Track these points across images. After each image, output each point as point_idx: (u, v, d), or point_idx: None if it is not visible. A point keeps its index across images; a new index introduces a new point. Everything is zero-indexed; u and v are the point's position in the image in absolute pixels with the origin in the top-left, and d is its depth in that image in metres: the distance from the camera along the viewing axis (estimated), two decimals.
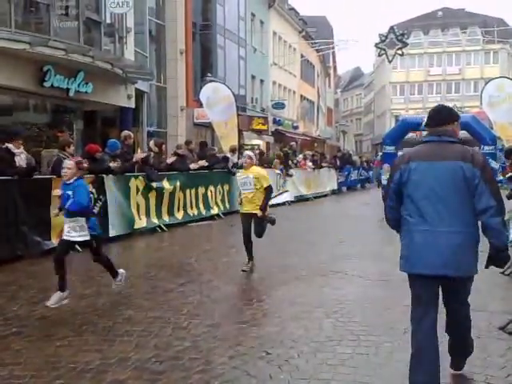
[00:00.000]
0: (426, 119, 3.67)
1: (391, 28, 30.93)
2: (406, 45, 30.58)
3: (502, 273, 6.85)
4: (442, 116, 3.56)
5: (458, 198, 3.33)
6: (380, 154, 35.57)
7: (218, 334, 4.73)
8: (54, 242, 8.58)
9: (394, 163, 3.69)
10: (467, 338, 3.72)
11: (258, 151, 20.11)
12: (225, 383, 3.73)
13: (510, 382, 3.70)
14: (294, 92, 41.27)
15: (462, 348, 3.76)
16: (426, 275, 3.39)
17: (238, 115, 18.31)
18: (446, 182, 3.34)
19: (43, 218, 8.37)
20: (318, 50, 41.84)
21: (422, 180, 3.39)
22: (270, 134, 32.87)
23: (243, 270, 7.24)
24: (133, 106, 18.05)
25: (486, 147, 26.99)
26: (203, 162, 13.54)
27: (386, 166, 14.04)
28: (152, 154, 11.97)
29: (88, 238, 5.62)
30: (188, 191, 12.72)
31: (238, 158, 16.56)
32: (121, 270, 6.13)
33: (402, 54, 31.32)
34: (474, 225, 3.37)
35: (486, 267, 3.47)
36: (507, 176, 9.29)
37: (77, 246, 8.82)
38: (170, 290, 6.30)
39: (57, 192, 6.18)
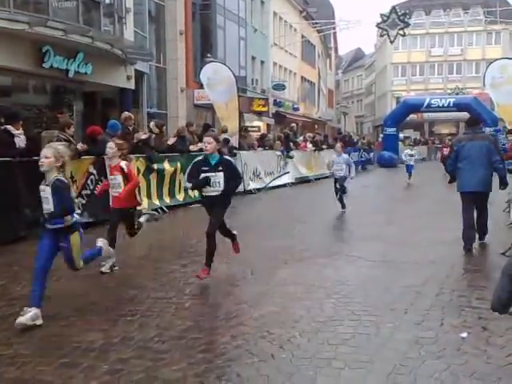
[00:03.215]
0: (467, 122, 8.23)
1: (393, 8, 30.61)
2: (407, 25, 30.31)
3: (503, 254, 6.89)
4: (474, 122, 7.87)
5: (484, 157, 7.28)
6: (381, 135, 35.55)
7: (220, 314, 4.77)
8: None
9: (454, 142, 7.93)
10: (486, 223, 7.68)
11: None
12: (227, 362, 3.77)
13: (510, 362, 3.74)
14: (295, 73, 41.00)
15: (483, 227, 7.62)
16: (470, 191, 7.34)
17: (239, 96, 18.21)
18: (478, 150, 7.30)
19: None
20: (318, 31, 41.45)
21: (467, 150, 7.34)
22: (270, 115, 32.72)
23: None
24: (133, 87, 17.95)
25: (487, 129, 26.92)
26: (202, 144, 13.47)
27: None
28: (153, 135, 11.94)
29: None
30: None
31: (239, 141, 16.56)
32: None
33: (403, 35, 31.05)
34: (490, 168, 7.34)
35: (503, 189, 7.71)
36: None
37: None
38: (173, 271, 6.33)
39: None
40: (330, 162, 12.16)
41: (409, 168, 19.70)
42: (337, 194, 11.57)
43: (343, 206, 11.48)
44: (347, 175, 11.61)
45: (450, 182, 7.96)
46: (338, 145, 12.67)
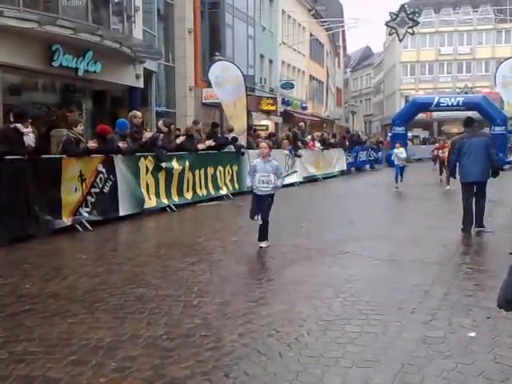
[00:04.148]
0: (464, 123, 9.26)
1: (402, 6, 30.46)
2: (417, 23, 30.15)
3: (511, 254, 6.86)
4: (471, 122, 9.13)
5: (483, 152, 8.57)
6: (389, 135, 35.39)
7: (228, 312, 4.78)
8: (66, 220, 8.67)
9: (456, 140, 9.51)
10: (483, 210, 8.74)
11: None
12: (235, 360, 3.77)
13: None
14: (303, 72, 40.96)
15: (480, 213, 8.66)
16: (471, 181, 8.65)
17: (247, 95, 18.21)
18: (478, 146, 8.60)
19: (54, 197, 8.44)
20: (327, 29, 41.37)
21: (469, 146, 8.62)
22: (278, 114, 32.71)
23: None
24: (141, 85, 18.01)
25: (497, 128, 26.76)
26: (210, 142, 13.52)
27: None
28: (161, 134, 11.97)
29: None
30: (197, 171, 12.74)
31: (247, 139, 16.56)
32: None
33: (412, 33, 30.90)
34: (488, 161, 8.62)
35: (494, 177, 8.91)
36: None
37: (87, 225, 8.98)
38: (181, 269, 6.34)
39: None
40: (251, 170, 7.92)
41: (397, 171, 16.66)
42: (253, 217, 7.56)
43: (263, 237, 7.50)
44: (275, 190, 7.60)
45: (453, 176, 9.41)
46: (264, 144, 7.98)
